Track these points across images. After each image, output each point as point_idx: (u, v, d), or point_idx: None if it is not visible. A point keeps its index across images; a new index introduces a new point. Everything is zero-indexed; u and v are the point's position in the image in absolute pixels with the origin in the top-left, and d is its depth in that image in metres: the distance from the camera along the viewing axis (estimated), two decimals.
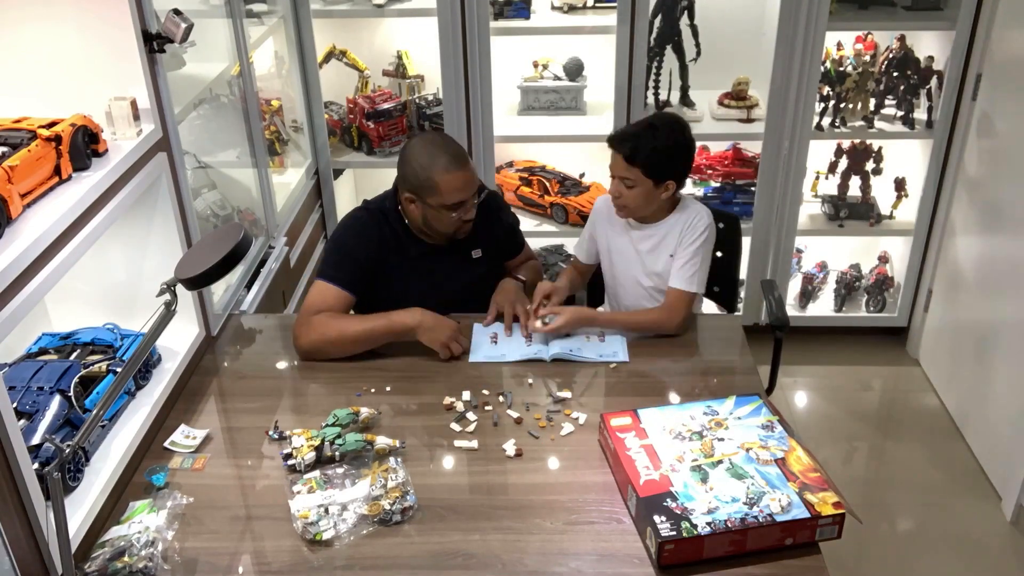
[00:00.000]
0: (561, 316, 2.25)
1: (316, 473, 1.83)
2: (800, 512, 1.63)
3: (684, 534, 1.59)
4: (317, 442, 1.87)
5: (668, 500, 1.66)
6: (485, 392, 2.11)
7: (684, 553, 1.60)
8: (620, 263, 2.47)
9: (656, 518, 1.62)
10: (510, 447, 1.93)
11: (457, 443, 1.96)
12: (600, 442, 1.92)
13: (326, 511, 1.73)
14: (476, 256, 2.43)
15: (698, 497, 1.66)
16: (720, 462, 1.75)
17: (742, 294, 3.63)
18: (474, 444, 1.95)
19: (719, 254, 2.58)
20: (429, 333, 2.21)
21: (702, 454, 1.77)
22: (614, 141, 2.29)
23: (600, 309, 2.66)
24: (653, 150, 2.24)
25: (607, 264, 2.53)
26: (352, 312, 2.34)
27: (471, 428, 2.00)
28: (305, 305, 2.28)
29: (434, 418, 2.04)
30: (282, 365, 2.27)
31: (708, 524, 1.60)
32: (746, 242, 3.35)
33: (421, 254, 2.35)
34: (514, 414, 2.03)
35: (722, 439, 1.82)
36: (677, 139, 2.28)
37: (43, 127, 1.74)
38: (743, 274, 3.42)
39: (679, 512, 1.63)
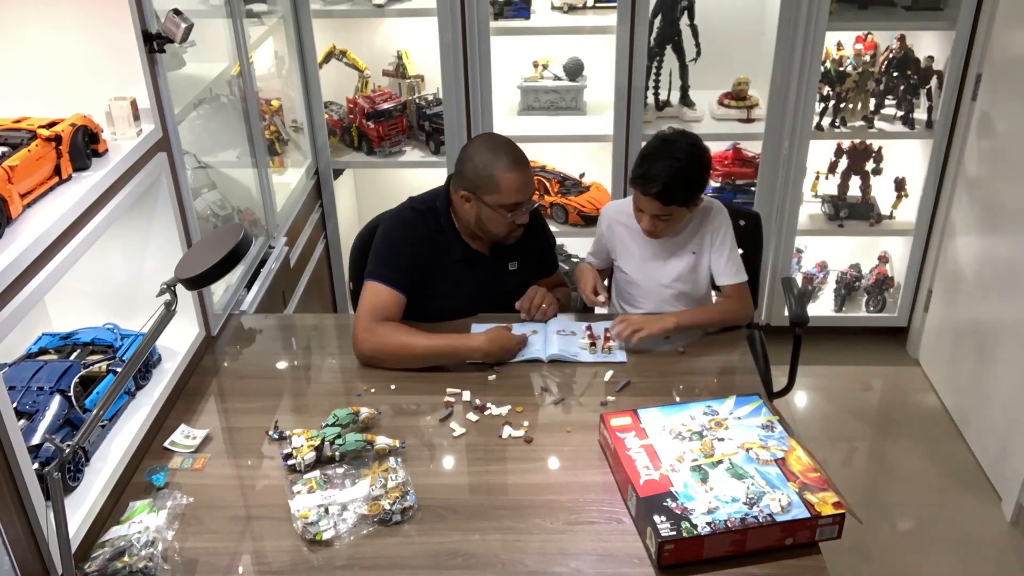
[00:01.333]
0: (644, 329, 2.22)
1: (316, 473, 1.83)
2: (800, 512, 1.63)
3: (684, 534, 1.59)
4: (317, 442, 1.87)
5: (668, 500, 1.66)
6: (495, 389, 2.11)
7: (684, 553, 1.60)
8: (638, 269, 2.46)
9: (656, 518, 1.62)
10: (517, 431, 1.97)
11: (453, 425, 1.99)
12: (600, 442, 1.92)
13: (326, 511, 1.73)
14: (512, 268, 2.42)
15: (698, 497, 1.66)
16: (720, 462, 1.75)
17: None
18: (463, 429, 1.98)
19: (740, 251, 2.56)
20: (496, 356, 2.21)
21: (702, 454, 1.77)
22: (645, 186, 2.23)
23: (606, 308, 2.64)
24: (686, 183, 2.24)
25: (620, 271, 2.51)
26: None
27: (460, 432, 2.00)
28: (362, 308, 2.24)
29: (434, 418, 2.04)
30: (282, 365, 2.27)
31: (708, 524, 1.60)
32: None
33: (463, 258, 2.34)
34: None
35: (722, 439, 1.82)
36: (699, 162, 2.27)
37: (43, 127, 1.74)
38: None
39: (679, 512, 1.63)
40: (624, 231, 2.46)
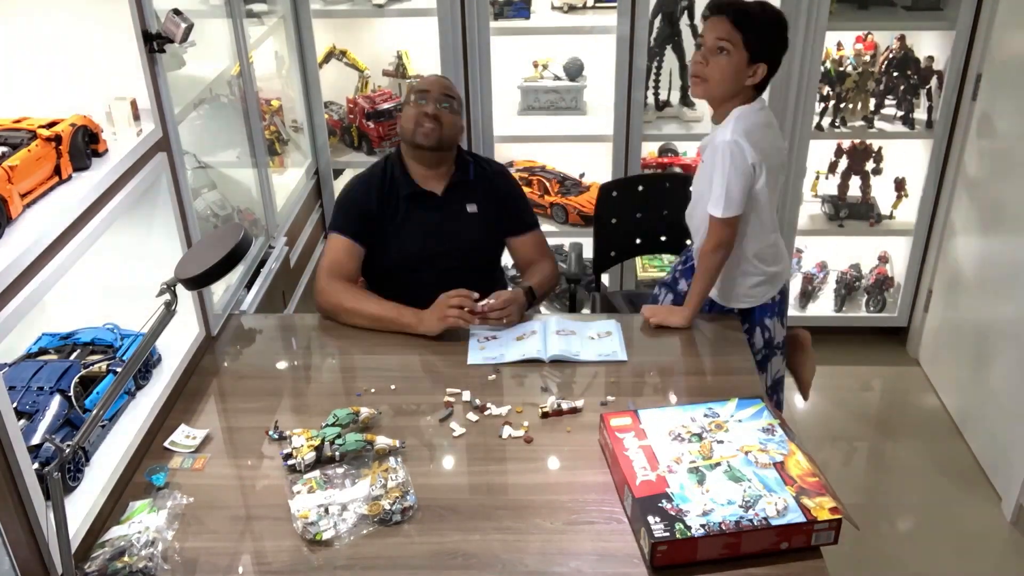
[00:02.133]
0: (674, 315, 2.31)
1: (316, 473, 1.83)
2: (796, 516, 1.62)
3: (678, 535, 1.58)
4: (317, 442, 1.87)
5: (663, 501, 1.66)
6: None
7: (677, 554, 1.60)
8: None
9: (650, 519, 1.62)
10: (517, 431, 1.97)
11: (453, 425, 1.99)
12: (600, 442, 1.92)
13: (326, 511, 1.73)
14: (472, 211, 2.51)
15: (694, 499, 1.66)
16: (718, 464, 1.75)
17: None
18: (463, 429, 1.99)
19: None
20: (425, 324, 2.29)
21: (700, 456, 1.77)
22: (720, 7, 2.15)
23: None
24: (762, 22, 2.15)
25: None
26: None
27: (460, 432, 2.00)
28: (322, 261, 2.45)
29: (434, 418, 2.04)
30: (282, 365, 2.27)
31: (702, 526, 1.60)
32: None
33: (412, 195, 2.47)
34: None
35: (721, 441, 1.81)
36: (783, 21, 2.20)
37: (43, 127, 1.74)
38: None
39: (674, 513, 1.63)
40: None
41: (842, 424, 3.42)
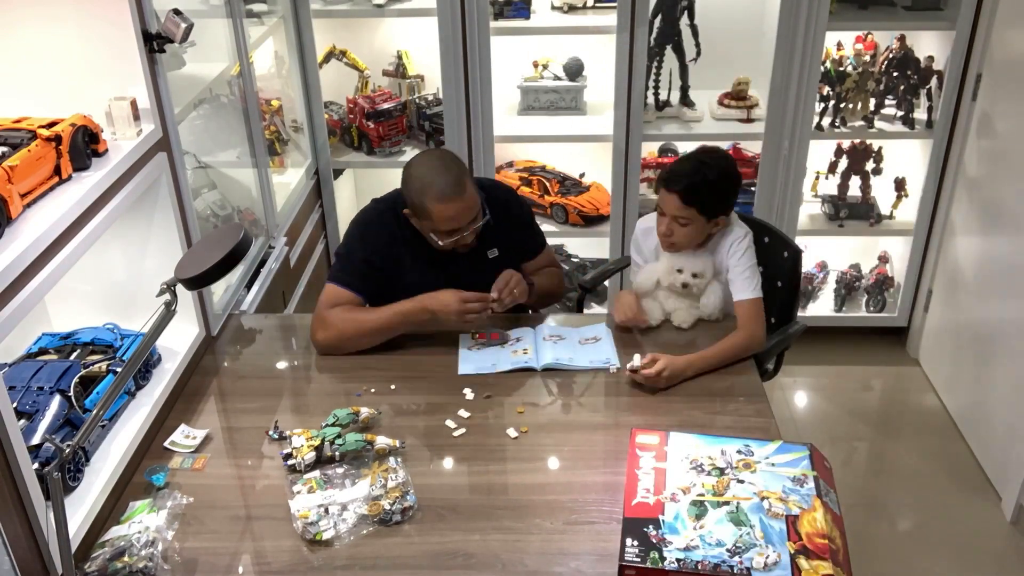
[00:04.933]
0: (659, 363, 2.10)
1: (316, 473, 1.83)
2: (783, 574, 1.53)
3: (648, 564, 1.53)
4: (317, 442, 1.87)
5: (650, 526, 1.60)
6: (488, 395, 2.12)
7: None
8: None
9: (628, 540, 1.58)
10: (512, 431, 1.96)
11: (451, 424, 1.99)
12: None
13: (326, 511, 1.73)
14: (492, 256, 2.38)
15: (683, 532, 1.60)
16: (726, 503, 1.66)
17: None
18: (463, 429, 1.99)
19: (779, 283, 2.55)
20: (441, 314, 2.19)
21: (711, 491, 1.68)
22: (668, 182, 2.27)
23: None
24: (709, 189, 2.25)
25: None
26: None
27: (460, 432, 2.00)
28: (317, 308, 2.28)
29: (434, 418, 2.04)
30: (282, 365, 2.27)
31: (677, 560, 1.54)
32: None
33: (435, 253, 2.29)
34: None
35: (742, 481, 1.71)
36: (728, 173, 2.31)
37: (43, 127, 1.74)
38: None
39: (655, 541, 1.57)
40: (653, 240, 2.43)
41: (842, 424, 3.42)
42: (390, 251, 2.29)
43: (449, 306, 2.19)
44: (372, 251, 2.29)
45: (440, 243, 2.22)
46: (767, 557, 1.55)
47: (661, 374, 2.09)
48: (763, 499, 1.67)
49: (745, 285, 2.30)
